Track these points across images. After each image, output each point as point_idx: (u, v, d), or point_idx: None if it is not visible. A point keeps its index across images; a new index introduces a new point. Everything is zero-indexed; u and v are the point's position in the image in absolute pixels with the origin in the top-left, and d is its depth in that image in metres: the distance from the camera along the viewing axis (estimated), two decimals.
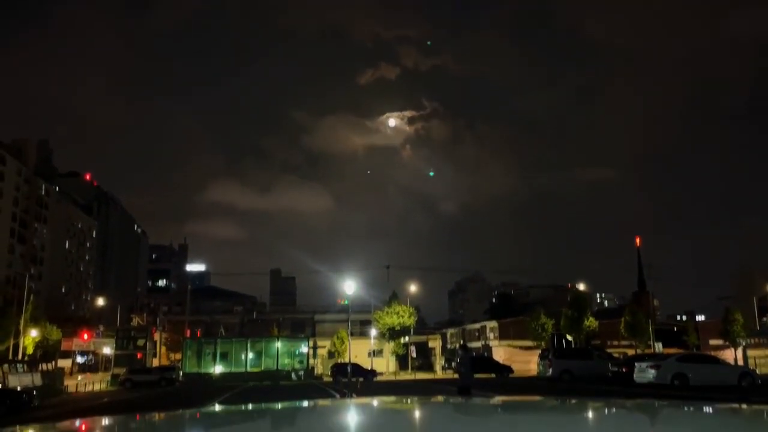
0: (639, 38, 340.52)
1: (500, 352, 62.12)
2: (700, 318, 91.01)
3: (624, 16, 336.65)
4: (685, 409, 2.42)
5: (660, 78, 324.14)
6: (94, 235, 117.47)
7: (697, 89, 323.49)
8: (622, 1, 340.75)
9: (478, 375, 46.19)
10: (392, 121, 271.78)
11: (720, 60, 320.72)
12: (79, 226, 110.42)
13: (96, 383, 43.46)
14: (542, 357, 39.28)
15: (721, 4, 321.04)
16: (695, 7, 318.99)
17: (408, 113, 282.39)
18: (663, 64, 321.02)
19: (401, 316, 58.42)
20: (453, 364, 56.83)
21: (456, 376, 48.12)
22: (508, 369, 48.23)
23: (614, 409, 2.44)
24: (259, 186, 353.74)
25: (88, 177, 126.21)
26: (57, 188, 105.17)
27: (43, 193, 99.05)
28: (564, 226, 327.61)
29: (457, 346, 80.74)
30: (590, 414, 2.30)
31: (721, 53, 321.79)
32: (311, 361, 53.76)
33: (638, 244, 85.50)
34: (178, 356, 54.39)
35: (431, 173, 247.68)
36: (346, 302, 61.62)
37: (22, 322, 49.66)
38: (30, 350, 53.61)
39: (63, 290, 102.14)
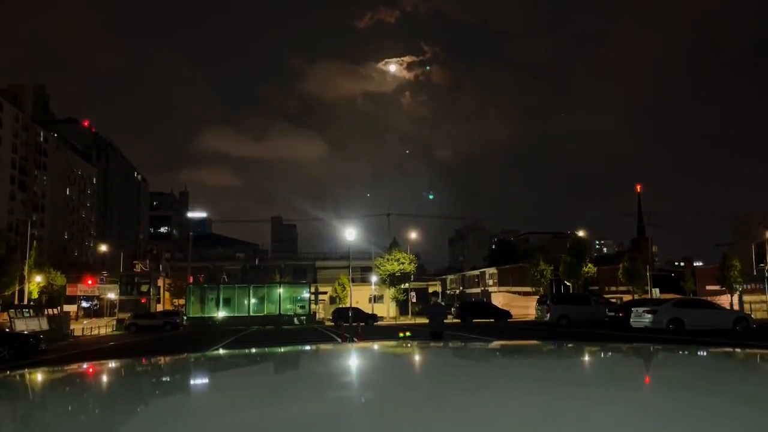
0: None
1: (499, 298, 62.93)
2: (698, 264, 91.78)
3: None
4: (680, 352, 2.47)
5: (662, 25, 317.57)
6: (94, 182, 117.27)
7: (698, 36, 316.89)
8: None
9: (477, 320, 47.15)
10: (391, 67, 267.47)
11: (721, 6, 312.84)
12: (79, 172, 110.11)
13: (101, 328, 44.12)
14: (540, 302, 39.82)
15: None
16: None
17: (407, 59, 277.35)
18: (664, 11, 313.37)
19: (402, 262, 58.94)
20: (452, 309, 57.75)
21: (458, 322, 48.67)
22: (506, 314, 48.92)
23: (610, 353, 2.49)
24: (255, 133, 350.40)
25: (86, 124, 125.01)
26: (55, 135, 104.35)
27: (41, 139, 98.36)
28: (564, 173, 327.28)
29: (456, 293, 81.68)
30: (586, 357, 2.35)
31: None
32: (313, 306, 54.50)
33: (638, 191, 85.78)
34: (182, 302, 55.10)
35: (431, 196, 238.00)
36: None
37: (26, 268, 50.11)
38: (35, 295, 54.33)
39: (65, 237, 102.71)
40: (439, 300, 18.39)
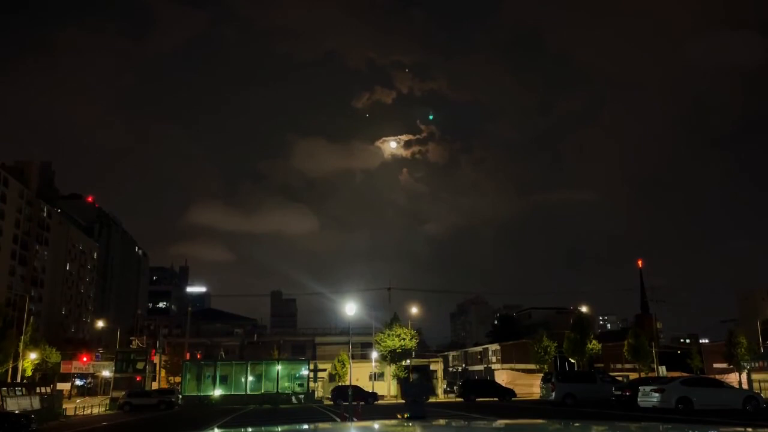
0: (628, 64, 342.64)
1: (503, 376, 61.58)
2: (704, 341, 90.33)
3: (610, 42, 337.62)
4: None
5: (650, 104, 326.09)
6: (95, 257, 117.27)
7: (688, 113, 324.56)
8: (609, 29, 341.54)
9: (480, 398, 45.91)
10: (388, 145, 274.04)
11: (706, 85, 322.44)
12: (81, 247, 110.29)
13: (94, 407, 43.05)
14: (545, 380, 38.90)
15: (697, 27, 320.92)
16: (668, 33, 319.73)
17: (404, 137, 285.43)
18: (652, 91, 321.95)
19: (403, 338, 57.96)
20: (454, 387, 56.36)
21: (462, 399, 47.42)
22: (510, 392, 47.75)
23: None
24: (254, 208, 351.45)
25: (90, 199, 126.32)
26: (59, 210, 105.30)
27: (45, 215, 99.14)
28: (564, 246, 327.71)
29: (459, 370, 79.94)
30: None
31: (706, 78, 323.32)
32: (311, 384, 53.28)
33: (640, 267, 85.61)
34: (178, 379, 53.99)
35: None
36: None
37: (21, 344, 49.37)
38: (29, 373, 53.30)
39: (63, 312, 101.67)
40: (422, 377, 16.66)
